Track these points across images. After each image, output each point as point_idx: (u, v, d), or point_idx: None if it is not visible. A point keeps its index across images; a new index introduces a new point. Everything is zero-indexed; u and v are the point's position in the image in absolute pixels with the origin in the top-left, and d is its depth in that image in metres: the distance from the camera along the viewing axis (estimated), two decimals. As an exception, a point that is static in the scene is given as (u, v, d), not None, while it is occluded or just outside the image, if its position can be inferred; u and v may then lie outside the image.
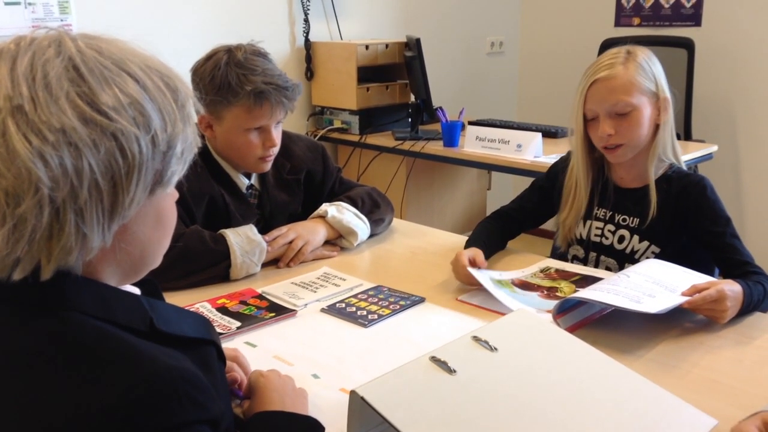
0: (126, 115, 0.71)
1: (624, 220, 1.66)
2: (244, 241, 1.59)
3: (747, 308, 1.36)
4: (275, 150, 1.71)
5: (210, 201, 1.69)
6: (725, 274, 1.46)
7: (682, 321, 1.37)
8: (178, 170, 0.79)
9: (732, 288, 1.33)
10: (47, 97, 0.68)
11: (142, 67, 0.75)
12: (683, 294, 1.34)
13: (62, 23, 2.55)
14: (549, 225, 1.88)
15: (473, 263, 1.54)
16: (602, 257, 1.69)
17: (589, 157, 1.66)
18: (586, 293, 1.36)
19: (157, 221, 0.81)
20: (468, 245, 1.68)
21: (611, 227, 1.68)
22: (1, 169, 0.67)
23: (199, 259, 1.54)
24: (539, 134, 2.79)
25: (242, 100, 1.60)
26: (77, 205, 0.69)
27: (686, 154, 2.79)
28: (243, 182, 1.77)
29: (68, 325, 0.73)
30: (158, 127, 0.74)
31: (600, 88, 1.55)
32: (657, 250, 1.61)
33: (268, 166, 1.74)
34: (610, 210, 1.68)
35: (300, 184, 1.86)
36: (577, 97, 1.59)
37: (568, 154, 1.75)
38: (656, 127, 1.59)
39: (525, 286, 1.54)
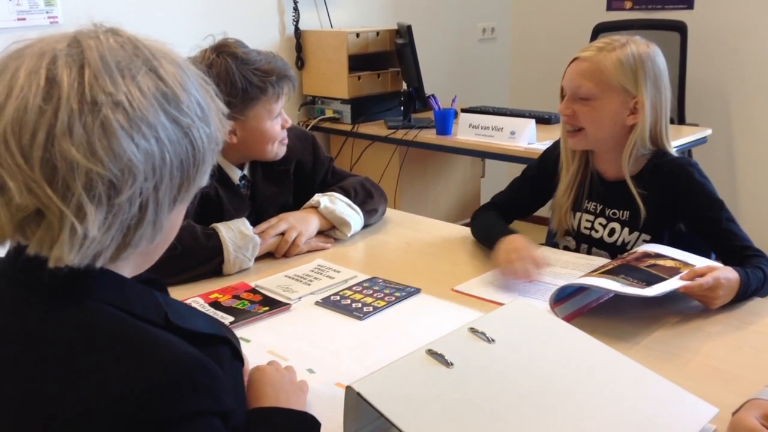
0: (195, 116, 0.77)
1: (614, 213, 1.64)
2: (236, 236, 1.57)
3: (743, 296, 1.35)
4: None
5: (202, 194, 1.66)
6: (724, 261, 1.44)
7: (680, 308, 1.36)
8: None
9: (728, 276, 1.33)
10: (139, 95, 0.72)
11: (195, 72, 0.81)
12: (682, 278, 1.33)
13: (47, 15, 2.51)
14: (543, 212, 1.86)
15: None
16: (594, 249, 1.67)
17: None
18: (585, 279, 1.35)
19: (180, 211, 0.84)
20: (496, 231, 1.60)
21: (602, 220, 1.65)
22: (105, 160, 0.69)
23: (191, 255, 1.51)
24: (533, 121, 2.78)
25: (268, 91, 1.63)
26: (157, 197, 0.74)
27: (680, 138, 2.78)
28: (236, 174, 1.75)
29: (91, 313, 0.75)
30: (214, 125, 0.80)
31: (573, 67, 1.56)
32: (647, 238, 1.59)
33: (285, 147, 1.76)
34: (600, 203, 1.66)
35: (290, 175, 1.84)
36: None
37: (554, 145, 1.73)
38: (630, 128, 1.54)
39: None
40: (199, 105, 0.78)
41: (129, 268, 0.82)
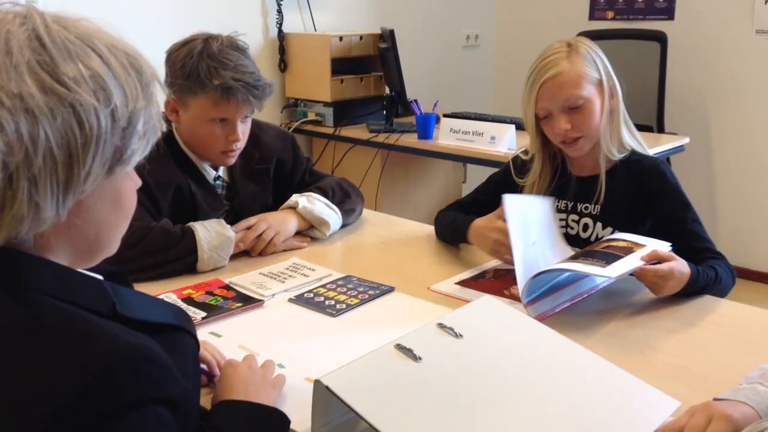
0: (86, 88, 0.72)
1: (586, 208, 1.66)
2: (213, 235, 1.57)
3: (690, 290, 1.39)
4: (239, 144, 1.68)
5: (176, 191, 1.66)
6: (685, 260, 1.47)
7: (650, 307, 1.38)
8: (139, 149, 0.79)
9: (681, 269, 1.38)
10: (7, 63, 0.69)
11: (108, 45, 0.76)
12: (642, 258, 1.37)
13: (28, 12, 2.50)
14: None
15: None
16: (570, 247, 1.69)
17: (544, 153, 1.66)
18: (550, 267, 1.37)
19: (114, 203, 0.80)
20: (456, 224, 1.66)
21: (574, 217, 1.68)
22: None
23: (164, 252, 1.51)
24: (513, 126, 2.80)
25: (209, 92, 1.57)
26: (31, 173, 0.69)
27: (658, 146, 2.81)
28: (210, 173, 1.74)
29: (28, 304, 0.73)
30: (119, 102, 0.74)
31: (549, 86, 1.55)
32: None
33: (231, 160, 1.71)
34: (570, 200, 1.68)
35: (269, 174, 1.83)
36: (526, 97, 1.58)
37: (525, 153, 1.73)
38: (610, 114, 1.59)
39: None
40: (95, 79, 0.72)
41: (68, 257, 0.80)
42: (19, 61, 0.69)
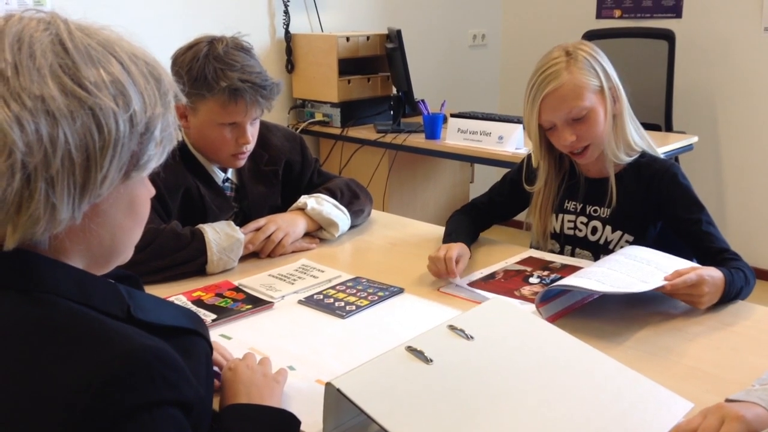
0: (106, 92, 0.73)
1: (595, 211, 1.65)
2: (222, 237, 1.57)
3: (729, 296, 1.35)
4: (249, 147, 1.68)
5: (185, 193, 1.67)
6: (702, 263, 1.46)
7: (662, 308, 1.37)
8: (155, 156, 0.80)
9: (711, 274, 1.33)
10: (30, 65, 0.70)
11: (129, 54, 0.78)
12: (666, 278, 1.33)
13: (37, 15, 2.50)
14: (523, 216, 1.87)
15: (456, 261, 1.51)
16: (577, 249, 1.69)
17: (550, 158, 1.66)
18: (570, 280, 1.35)
19: (129, 208, 0.81)
20: (449, 239, 1.65)
21: (583, 219, 1.67)
22: None
23: (174, 255, 1.52)
24: (520, 126, 2.79)
25: (217, 95, 1.58)
26: (48, 174, 0.70)
27: (667, 145, 2.80)
28: (219, 175, 1.75)
29: (43, 306, 0.74)
30: (138, 108, 0.75)
31: (551, 99, 1.53)
32: (630, 238, 1.61)
33: (241, 162, 1.71)
34: (580, 202, 1.67)
35: (278, 176, 1.84)
36: (528, 109, 1.57)
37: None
38: (614, 118, 1.58)
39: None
40: (115, 85, 0.74)
41: (83, 262, 0.81)
42: (42, 64, 0.71)
